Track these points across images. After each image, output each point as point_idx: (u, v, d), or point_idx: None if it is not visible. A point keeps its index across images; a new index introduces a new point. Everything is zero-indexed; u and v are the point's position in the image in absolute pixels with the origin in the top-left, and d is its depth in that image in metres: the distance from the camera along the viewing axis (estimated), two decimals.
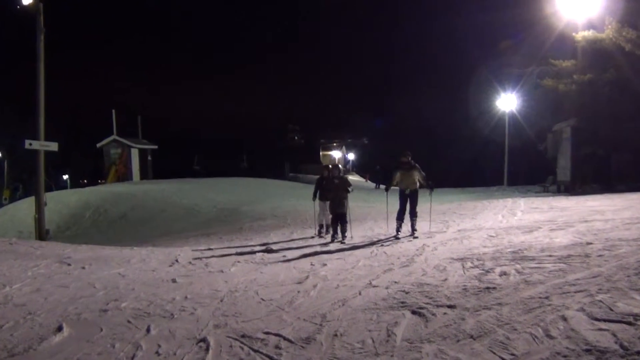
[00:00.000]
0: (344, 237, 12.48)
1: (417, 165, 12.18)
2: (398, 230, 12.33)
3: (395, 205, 12.48)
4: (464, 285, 6.24)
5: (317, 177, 15.18)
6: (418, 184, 12.25)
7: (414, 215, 12.33)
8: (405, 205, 12.27)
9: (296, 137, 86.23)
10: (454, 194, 30.73)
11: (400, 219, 12.33)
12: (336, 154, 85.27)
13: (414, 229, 12.32)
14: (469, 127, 53.66)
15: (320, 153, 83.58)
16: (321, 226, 14.24)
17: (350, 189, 12.86)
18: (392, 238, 12.02)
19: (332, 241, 12.46)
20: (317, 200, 14.06)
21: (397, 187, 12.53)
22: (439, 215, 16.06)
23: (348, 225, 12.90)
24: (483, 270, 7.03)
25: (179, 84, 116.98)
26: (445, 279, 6.75)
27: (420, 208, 12.58)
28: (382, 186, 14.06)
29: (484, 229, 12.04)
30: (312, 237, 13.81)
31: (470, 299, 5.63)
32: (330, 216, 13.09)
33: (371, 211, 20.07)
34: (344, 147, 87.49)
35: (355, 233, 13.49)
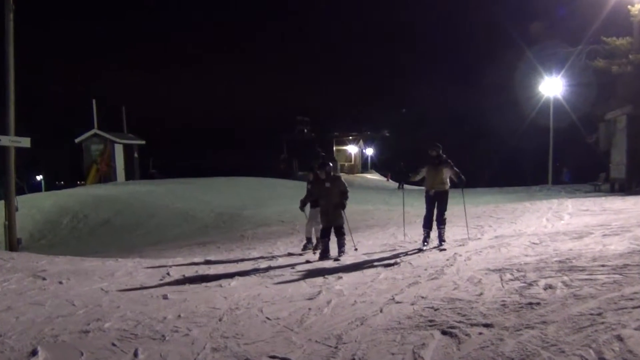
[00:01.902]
0: (340, 252, 11.73)
1: (448, 161, 11.74)
2: (425, 240, 11.89)
3: (419, 209, 12.21)
4: (503, 301, 6.21)
5: (306, 180, 13.82)
6: (448, 184, 11.85)
7: (441, 222, 11.82)
8: (432, 210, 11.84)
9: (305, 130, 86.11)
10: (490, 195, 30.60)
11: (427, 226, 11.91)
12: (352, 149, 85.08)
13: (441, 240, 11.83)
14: (506, 117, 53.49)
15: (334, 148, 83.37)
16: (308, 240, 13.55)
17: (347, 195, 11.86)
18: (417, 250, 11.61)
19: (321, 259, 11.63)
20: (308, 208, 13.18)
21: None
22: (473, 220, 16.00)
23: (347, 237, 12.13)
24: (525, 283, 6.99)
25: (170, 69, 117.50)
26: (481, 294, 6.72)
27: (452, 210, 12.52)
28: (407, 187, 13.21)
29: (526, 235, 11.99)
30: (298, 254, 13.02)
31: (510, 316, 5.60)
32: (320, 227, 12.24)
33: (393, 215, 20.04)
34: (361, 141, 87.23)
35: (376, 241, 13.47)
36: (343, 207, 11.75)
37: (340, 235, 11.81)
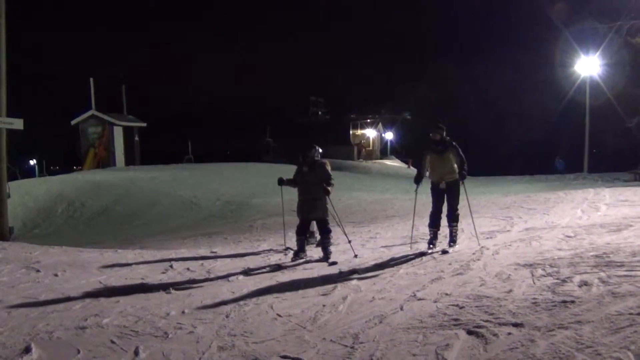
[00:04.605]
0: (325, 255, 10.70)
1: (454, 144, 10.63)
2: (431, 242, 10.78)
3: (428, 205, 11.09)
4: (534, 298, 6.20)
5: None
6: (457, 173, 10.61)
7: (452, 219, 10.73)
8: (441, 205, 10.77)
9: (320, 112, 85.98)
10: (521, 183, 30.49)
11: (433, 225, 10.82)
12: (370, 133, 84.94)
13: (452, 240, 10.79)
14: (538, 99, 53.21)
15: (350, 132, 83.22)
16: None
17: (330, 182, 10.67)
18: (419, 253, 10.45)
19: (294, 259, 10.83)
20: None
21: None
22: (502, 210, 15.95)
23: (333, 237, 11.39)
24: (558, 279, 6.98)
25: (175, 47, 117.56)
26: (510, 291, 6.71)
27: (478, 201, 12.42)
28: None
29: (559, 227, 11.94)
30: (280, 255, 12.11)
31: (542, 315, 5.59)
32: (309, 223, 11.40)
33: (417, 205, 19.97)
34: (380, 125, 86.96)
35: (395, 232, 13.45)
36: (326, 192, 10.59)
37: (324, 233, 10.82)
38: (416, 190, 11.34)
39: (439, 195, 10.72)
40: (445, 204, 10.75)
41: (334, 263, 10.16)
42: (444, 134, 10.63)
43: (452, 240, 10.78)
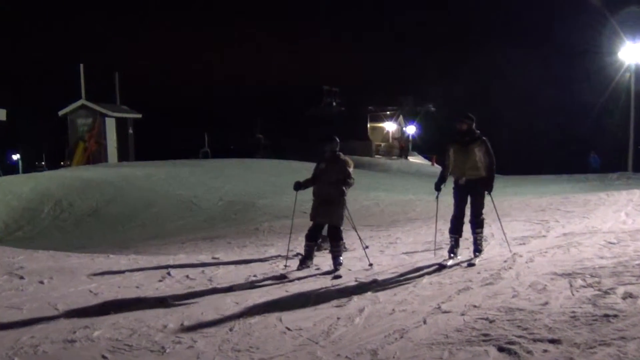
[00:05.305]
0: (336, 265, 10.30)
1: (483, 138, 10.20)
2: (452, 251, 10.37)
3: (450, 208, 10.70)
4: (573, 312, 6.19)
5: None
6: (484, 170, 10.11)
7: (476, 224, 10.28)
8: (463, 208, 10.35)
9: (334, 103, 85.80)
10: (557, 183, 30.38)
11: (454, 231, 10.41)
12: (390, 127, 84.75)
13: (476, 249, 10.35)
14: (577, 91, 53.06)
15: (368, 125, 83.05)
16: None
17: (348, 181, 10.24)
18: (437, 265, 10.00)
19: (299, 267, 10.52)
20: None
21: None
22: (536, 213, 15.89)
23: (347, 242, 11.37)
24: (599, 290, 6.96)
25: (170, 30, 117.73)
26: (546, 303, 6.70)
27: (511, 202, 12.34)
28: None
29: (601, 232, 11.90)
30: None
31: (582, 330, 5.58)
32: (322, 227, 10.79)
33: (440, 207, 19.93)
34: (401, 118, 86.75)
35: (418, 237, 13.44)
36: (341, 193, 10.16)
37: (335, 240, 10.40)
38: (437, 198, 10.88)
39: (461, 195, 10.29)
40: (468, 206, 10.35)
41: (338, 277, 9.75)
42: (473, 126, 10.20)
43: (477, 250, 10.33)
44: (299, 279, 9.79)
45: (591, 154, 41.46)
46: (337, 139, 10.62)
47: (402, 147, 75.52)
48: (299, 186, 10.87)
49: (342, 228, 10.56)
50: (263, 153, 65.04)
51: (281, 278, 9.90)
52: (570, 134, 54.42)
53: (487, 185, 10.10)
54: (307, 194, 10.96)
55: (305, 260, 10.62)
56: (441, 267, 9.77)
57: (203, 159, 48.11)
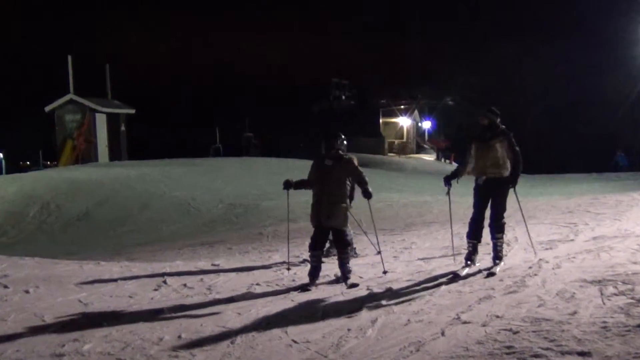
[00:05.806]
0: (344, 274, 9.96)
1: (506, 133, 10.05)
2: (469, 258, 10.17)
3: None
4: (604, 322, 6.17)
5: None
6: (508, 168, 9.96)
7: (496, 229, 10.04)
8: (483, 210, 10.18)
9: (344, 97, 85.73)
10: (586, 183, 30.37)
11: (472, 235, 10.21)
12: (405, 122, 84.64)
13: (496, 256, 10.11)
14: (607, 84, 52.98)
15: (380, 120, 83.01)
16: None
17: (366, 186, 9.96)
18: (451, 274, 9.83)
19: (309, 284, 9.92)
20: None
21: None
22: (564, 215, 15.87)
23: (356, 249, 11.23)
24: (632, 298, 6.95)
25: (165, 18, 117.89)
26: (574, 312, 6.68)
27: (536, 204, 12.30)
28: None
29: (633, 235, 11.87)
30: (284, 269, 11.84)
31: (613, 342, 5.56)
32: (328, 232, 10.31)
33: (458, 209, 19.91)
34: (416, 112, 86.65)
35: (435, 242, 13.42)
36: (368, 195, 9.95)
37: (342, 247, 10.03)
38: (448, 193, 10.76)
39: (480, 196, 10.12)
40: (489, 209, 10.15)
41: (354, 285, 9.57)
42: (497, 121, 10.11)
43: (497, 257, 10.09)
44: (306, 287, 9.79)
45: (618, 152, 41.45)
46: (343, 136, 10.37)
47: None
48: (289, 185, 10.81)
49: (351, 232, 10.44)
50: (254, 152, 65.11)
51: (303, 289, 9.61)
52: (599, 131, 54.25)
53: (511, 180, 9.99)
54: (307, 195, 10.84)
55: (312, 273, 10.05)
56: (455, 276, 9.60)
57: (214, 157, 48.13)
